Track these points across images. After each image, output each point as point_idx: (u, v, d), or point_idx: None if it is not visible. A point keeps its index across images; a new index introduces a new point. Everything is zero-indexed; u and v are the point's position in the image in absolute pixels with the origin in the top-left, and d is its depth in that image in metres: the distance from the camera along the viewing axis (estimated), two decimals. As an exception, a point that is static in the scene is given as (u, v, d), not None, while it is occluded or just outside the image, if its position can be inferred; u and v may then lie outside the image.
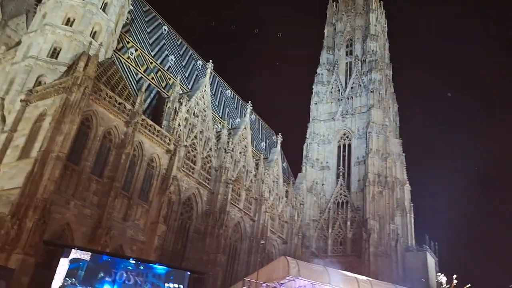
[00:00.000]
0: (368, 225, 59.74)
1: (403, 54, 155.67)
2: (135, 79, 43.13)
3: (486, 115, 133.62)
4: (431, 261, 60.69)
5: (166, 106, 41.21)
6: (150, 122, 37.50)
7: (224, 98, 61.18)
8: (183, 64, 55.14)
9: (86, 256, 25.59)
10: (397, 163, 67.92)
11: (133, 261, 27.10)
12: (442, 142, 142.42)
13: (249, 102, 56.32)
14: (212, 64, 49.36)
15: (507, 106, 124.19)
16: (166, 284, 26.71)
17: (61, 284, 23.96)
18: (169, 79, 49.09)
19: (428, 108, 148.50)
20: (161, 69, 49.04)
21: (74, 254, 25.12)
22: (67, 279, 24.23)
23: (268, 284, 28.09)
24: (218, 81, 61.72)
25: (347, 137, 71.82)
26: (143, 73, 45.16)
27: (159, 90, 46.03)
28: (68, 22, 37.48)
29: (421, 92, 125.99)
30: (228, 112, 59.97)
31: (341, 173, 68.55)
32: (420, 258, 59.45)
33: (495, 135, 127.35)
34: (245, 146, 51.34)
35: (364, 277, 29.83)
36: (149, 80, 45.23)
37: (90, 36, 37.71)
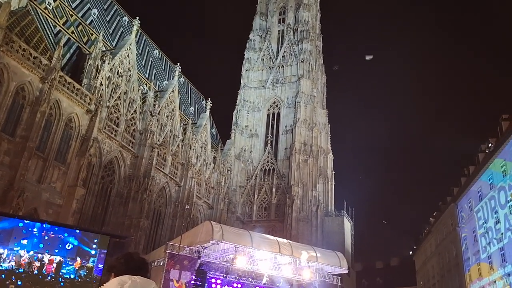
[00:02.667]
0: (292, 191, 61.58)
1: (333, 26, 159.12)
2: (53, 32, 39.73)
3: (402, 92, 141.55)
4: (348, 225, 64.60)
5: (87, 63, 38.61)
6: (69, 80, 35.06)
7: (151, 59, 58.65)
8: (107, 19, 51.72)
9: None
10: (322, 133, 70.20)
11: (49, 225, 25.84)
12: (363, 115, 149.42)
13: (178, 64, 54.54)
14: (139, 21, 46.77)
15: (425, 85, 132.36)
16: (84, 248, 25.82)
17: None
18: (91, 34, 45.85)
19: (353, 81, 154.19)
20: (82, 23, 45.61)
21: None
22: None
23: (191, 247, 28.12)
24: (145, 40, 58.91)
25: (277, 105, 72.51)
26: (62, 26, 41.68)
27: (79, 45, 42.90)
28: (-26, -38, 33.36)
29: (348, 65, 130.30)
30: (155, 73, 57.71)
31: (269, 141, 69.46)
32: (338, 222, 63.06)
33: (407, 112, 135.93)
34: (173, 110, 49.96)
35: (285, 240, 30.87)
36: (68, 34, 41.89)
37: (0, -20, 33.95)
